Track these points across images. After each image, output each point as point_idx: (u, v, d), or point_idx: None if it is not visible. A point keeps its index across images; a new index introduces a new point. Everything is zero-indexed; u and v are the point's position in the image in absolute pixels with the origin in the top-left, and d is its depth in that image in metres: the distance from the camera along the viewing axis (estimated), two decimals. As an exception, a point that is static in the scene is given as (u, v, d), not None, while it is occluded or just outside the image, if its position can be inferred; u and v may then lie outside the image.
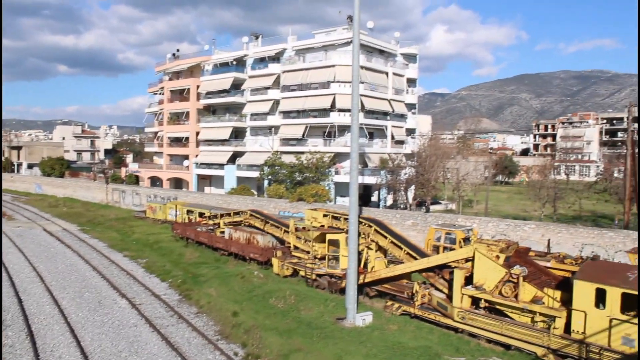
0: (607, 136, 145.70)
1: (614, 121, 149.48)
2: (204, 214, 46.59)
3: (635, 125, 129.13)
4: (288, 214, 46.20)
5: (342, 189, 57.25)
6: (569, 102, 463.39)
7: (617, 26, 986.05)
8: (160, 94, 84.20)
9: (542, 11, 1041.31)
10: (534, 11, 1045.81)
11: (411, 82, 69.46)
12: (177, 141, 79.76)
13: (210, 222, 42.45)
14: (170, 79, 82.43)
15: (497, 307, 20.63)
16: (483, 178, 62.44)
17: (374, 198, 62.55)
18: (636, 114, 48.36)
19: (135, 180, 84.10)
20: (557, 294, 19.46)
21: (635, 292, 16.71)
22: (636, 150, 40.16)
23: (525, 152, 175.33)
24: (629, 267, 18.53)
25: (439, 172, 55.88)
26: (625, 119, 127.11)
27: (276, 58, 67.62)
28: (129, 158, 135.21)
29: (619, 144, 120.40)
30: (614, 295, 17.16)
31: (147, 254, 38.93)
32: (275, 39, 70.01)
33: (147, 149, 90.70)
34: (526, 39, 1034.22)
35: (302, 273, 30.17)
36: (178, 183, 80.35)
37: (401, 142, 66.07)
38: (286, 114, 64.97)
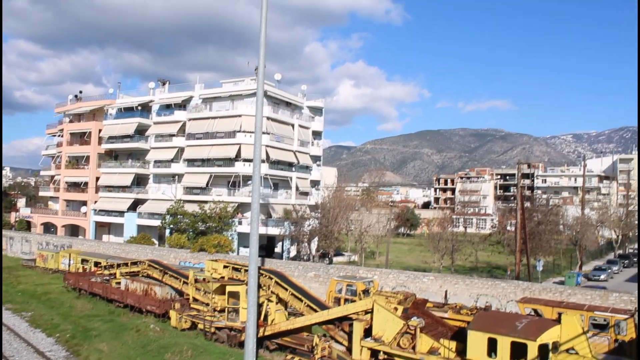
0: (501, 191, 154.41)
1: (507, 177, 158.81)
2: (99, 263, 44.34)
3: (526, 181, 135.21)
4: (189, 264, 44.93)
5: (245, 240, 56.57)
6: (467, 158, 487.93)
7: (510, 88, 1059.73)
8: (59, 136, 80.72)
9: (442, 71, 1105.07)
10: (435, 71, 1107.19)
11: (317, 134, 70.64)
12: (75, 186, 76.30)
13: (106, 272, 40.44)
14: (71, 121, 79.33)
15: (396, 358, 20.74)
16: (385, 230, 63.72)
17: (278, 249, 62.20)
18: (525, 171, 51.33)
19: (26, 226, 79.25)
20: (453, 345, 19.84)
21: (524, 341, 17.36)
22: (525, 204, 42.57)
23: (426, 205, 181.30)
24: (518, 317, 19.27)
25: (342, 224, 56.49)
26: (516, 175, 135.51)
27: (183, 105, 66.95)
28: (21, 202, 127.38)
29: (511, 198, 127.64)
30: (504, 344, 17.72)
31: (34, 306, 36.39)
32: (182, 86, 69.52)
33: (42, 193, 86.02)
34: (428, 96, 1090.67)
35: (200, 326, 29.17)
36: (74, 230, 76.43)
37: (306, 194, 66.54)
38: (191, 162, 64.01)
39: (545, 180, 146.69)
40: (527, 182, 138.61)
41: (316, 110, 70.90)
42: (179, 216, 56.74)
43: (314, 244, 56.48)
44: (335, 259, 57.80)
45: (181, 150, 65.17)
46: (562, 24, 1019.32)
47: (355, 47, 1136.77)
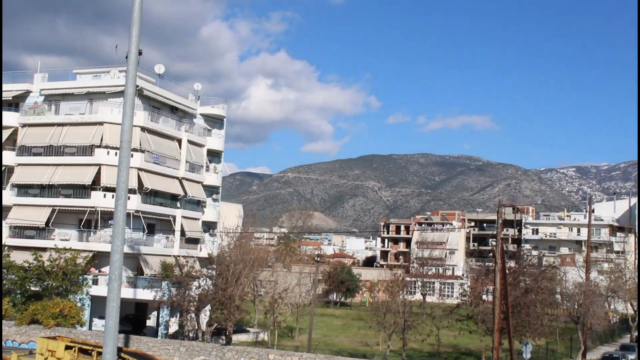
0: (475, 244, 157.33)
1: (484, 224, 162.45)
2: None
3: (510, 231, 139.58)
4: (12, 344, 43.37)
5: (102, 307, 55.03)
6: (429, 196, 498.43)
7: (493, 100, 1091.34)
8: None
9: (397, 71, 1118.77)
10: (388, 71, 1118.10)
11: (215, 154, 70.34)
12: None
13: None
14: None
15: None
16: (310, 296, 63.72)
17: (151, 322, 61.04)
18: (509, 217, 52.65)
19: None
20: None
21: None
22: (507, 264, 43.48)
23: (370, 262, 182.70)
24: None
25: (247, 286, 56.05)
26: (496, 223, 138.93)
27: (14, 104, 65.27)
28: None
29: (489, 254, 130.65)
30: None
31: None
32: (15, 76, 67.70)
33: None
34: (377, 107, 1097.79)
35: None
36: None
37: (196, 241, 65.85)
38: (23, 188, 62.25)
39: (537, 230, 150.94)
40: (513, 232, 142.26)
41: (215, 121, 70.65)
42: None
43: (205, 315, 55.67)
44: (235, 338, 57.13)
45: (9, 170, 63.32)
46: (568, 14, 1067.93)
47: (275, 32, 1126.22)
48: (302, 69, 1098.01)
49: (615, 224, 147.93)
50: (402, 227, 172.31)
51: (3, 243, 59.63)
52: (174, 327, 59.55)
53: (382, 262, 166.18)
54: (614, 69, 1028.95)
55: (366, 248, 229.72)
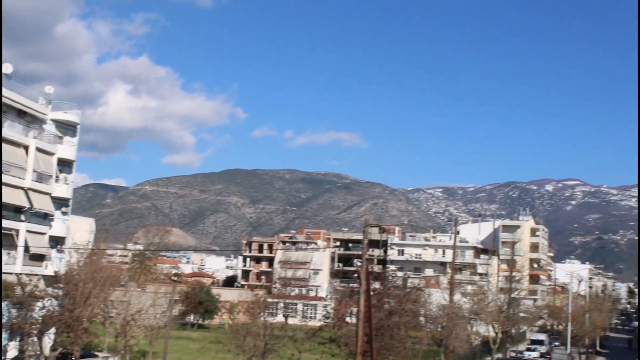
0: (340, 264, 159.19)
1: (350, 244, 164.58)
2: None
3: (376, 251, 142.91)
4: None
5: None
6: (294, 214, 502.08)
7: (363, 117, 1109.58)
8: None
9: (265, 83, 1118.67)
10: (255, 82, 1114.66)
11: (66, 164, 68.50)
12: None
13: None
14: None
15: None
16: (165, 318, 62.63)
17: (-12, 345, 58.45)
18: (375, 237, 53.31)
19: None
20: None
21: None
22: (372, 285, 43.85)
23: (230, 282, 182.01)
24: None
25: (97, 307, 54.55)
26: (362, 243, 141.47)
27: None
28: None
29: (355, 275, 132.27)
30: None
31: None
32: None
33: None
34: (242, 119, 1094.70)
35: None
36: None
37: (41, 257, 63.87)
38: None
39: (402, 251, 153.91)
40: (378, 252, 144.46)
41: (67, 128, 68.79)
42: None
43: (50, 339, 53.80)
44: (82, 363, 55.47)
45: None
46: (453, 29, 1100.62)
47: (137, 34, 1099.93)
48: (165, 75, 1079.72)
49: (480, 246, 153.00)
50: (265, 246, 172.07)
51: None
52: (12, 353, 57.23)
53: (243, 282, 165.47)
54: (481, 95, 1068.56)
55: (227, 267, 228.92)
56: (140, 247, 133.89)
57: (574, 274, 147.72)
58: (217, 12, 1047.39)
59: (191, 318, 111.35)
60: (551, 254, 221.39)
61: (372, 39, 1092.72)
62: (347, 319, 66.99)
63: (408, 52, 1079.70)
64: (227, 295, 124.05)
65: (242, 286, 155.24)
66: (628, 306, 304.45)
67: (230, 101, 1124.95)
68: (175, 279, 69.27)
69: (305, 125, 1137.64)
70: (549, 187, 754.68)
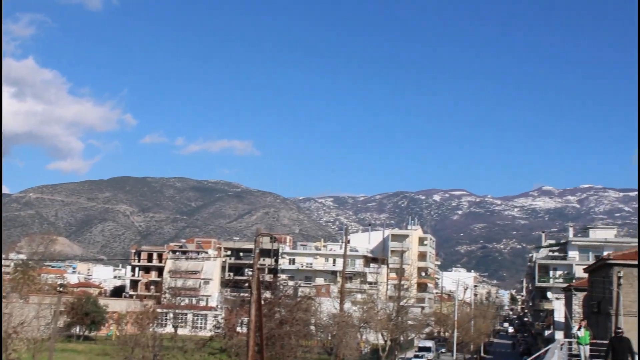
0: (231, 273, 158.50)
1: (241, 253, 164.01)
2: None
3: (267, 260, 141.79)
4: None
5: None
6: (184, 222, 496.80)
7: (254, 125, 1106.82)
8: None
9: (153, 87, 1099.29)
10: (143, 87, 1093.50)
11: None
12: None
13: None
14: None
15: None
16: (49, 330, 61.02)
17: None
18: (266, 246, 53.33)
19: None
20: None
21: None
22: (264, 294, 43.76)
23: (118, 292, 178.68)
24: None
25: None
26: (253, 252, 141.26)
27: None
28: None
29: (245, 284, 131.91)
30: None
31: None
32: None
33: None
34: (133, 125, 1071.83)
35: None
36: None
37: None
38: None
39: (293, 260, 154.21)
40: (269, 262, 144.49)
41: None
42: None
43: None
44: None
45: None
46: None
47: (22, 36, 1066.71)
48: (52, 79, 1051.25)
49: (370, 255, 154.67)
50: (155, 255, 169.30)
51: None
52: None
53: (132, 292, 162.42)
54: (370, 105, 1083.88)
55: (115, 277, 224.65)
56: (23, 256, 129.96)
57: (460, 282, 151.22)
58: (107, 15, 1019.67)
59: (77, 330, 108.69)
60: (438, 263, 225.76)
61: (262, 46, 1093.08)
62: (238, 329, 66.71)
63: (299, 58, 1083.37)
64: (115, 305, 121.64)
65: (131, 296, 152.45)
66: (510, 312, 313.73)
67: (119, 107, 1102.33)
68: (61, 289, 67.80)
69: (197, 132, 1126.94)
70: (437, 197, 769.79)
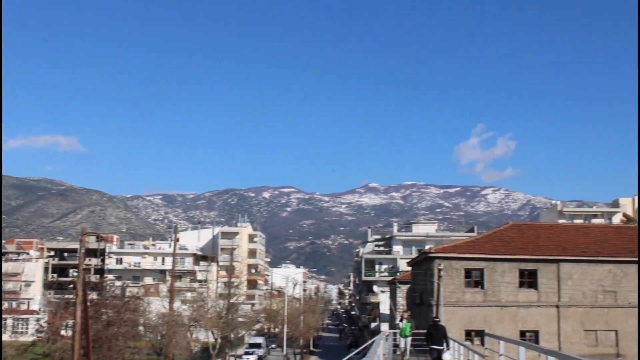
0: (55, 275, 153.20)
1: (66, 254, 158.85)
2: None
3: (93, 260, 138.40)
4: None
5: None
6: (4, 223, 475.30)
7: (78, 121, 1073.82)
8: None
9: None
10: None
11: None
12: None
13: None
14: None
15: None
16: None
17: None
18: (92, 246, 51.86)
19: None
20: None
21: None
22: (91, 296, 42.57)
23: None
24: None
25: None
26: (78, 252, 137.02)
27: None
28: None
29: (70, 286, 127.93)
30: None
31: None
32: None
33: None
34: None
35: None
36: None
37: None
38: None
39: (121, 260, 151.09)
40: (96, 262, 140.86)
41: None
42: None
43: None
44: None
45: None
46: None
47: None
48: None
49: (199, 252, 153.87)
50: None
51: None
52: None
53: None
54: (197, 99, 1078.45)
55: None
56: None
57: (290, 278, 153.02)
58: None
59: None
60: (268, 259, 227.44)
61: (91, 40, 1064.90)
62: (63, 332, 64.67)
63: (124, 55, 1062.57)
64: None
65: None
66: (338, 307, 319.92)
67: None
68: None
69: (17, 127, 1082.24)
70: (267, 194, 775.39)
